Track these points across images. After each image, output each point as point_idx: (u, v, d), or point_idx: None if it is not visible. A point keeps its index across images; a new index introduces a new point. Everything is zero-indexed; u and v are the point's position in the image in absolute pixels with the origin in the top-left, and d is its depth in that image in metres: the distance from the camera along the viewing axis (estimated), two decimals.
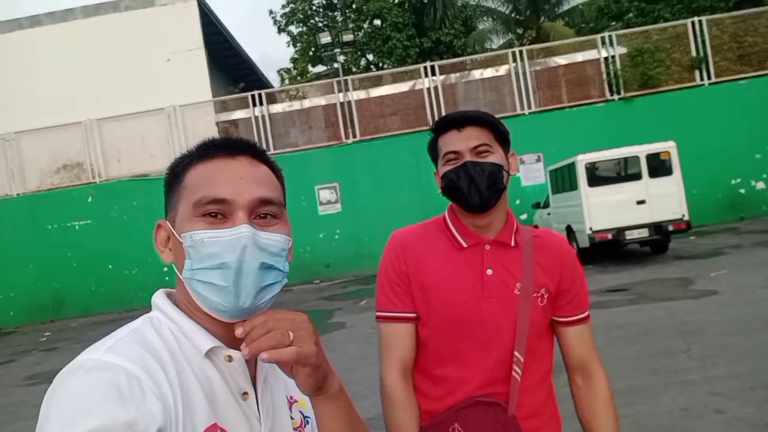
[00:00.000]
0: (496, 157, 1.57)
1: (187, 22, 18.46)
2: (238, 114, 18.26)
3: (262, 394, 0.99)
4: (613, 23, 22.11)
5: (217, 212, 0.92)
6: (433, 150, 1.65)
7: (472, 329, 1.57)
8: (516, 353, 1.56)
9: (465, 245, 1.61)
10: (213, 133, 17.85)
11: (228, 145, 0.98)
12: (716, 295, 8.18)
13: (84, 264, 16.79)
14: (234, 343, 0.92)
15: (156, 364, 0.86)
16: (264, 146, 17.16)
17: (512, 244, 1.62)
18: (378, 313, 1.65)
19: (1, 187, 17.56)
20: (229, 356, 0.95)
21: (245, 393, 0.96)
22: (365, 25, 25.38)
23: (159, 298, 1.00)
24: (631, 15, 21.60)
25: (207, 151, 0.97)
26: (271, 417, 0.99)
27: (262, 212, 0.96)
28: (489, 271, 1.58)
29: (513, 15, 25.78)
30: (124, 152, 17.41)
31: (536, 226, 1.74)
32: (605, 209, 11.79)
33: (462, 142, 1.56)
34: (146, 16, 18.48)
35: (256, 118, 17.67)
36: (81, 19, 18.67)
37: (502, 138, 1.62)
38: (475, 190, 1.54)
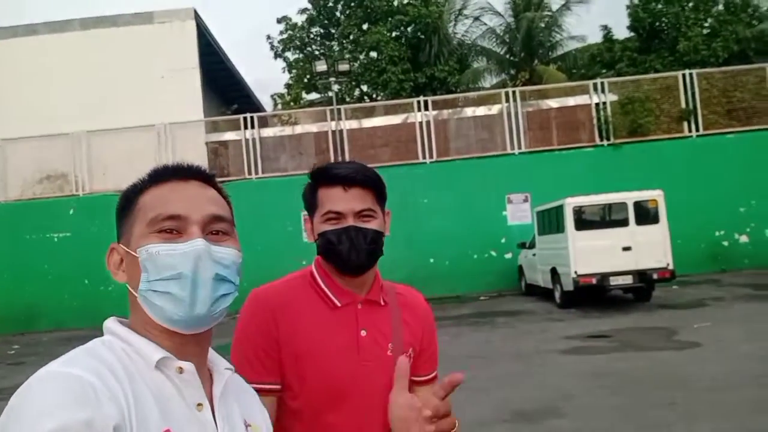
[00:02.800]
0: (377, 222, 1.53)
1: (184, 41, 18.48)
2: (229, 135, 18.18)
3: (219, 407, 1.02)
4: (605, 71, 22.48)
5: (172, 228, 0.98)
6: (312, 198, 1.55)
7: (346, 398, 1.46)
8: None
9: (339, 304, 1.52)
10: (203, 153, 17.77)
11: (180, 170, 1.05)
12: (699, 347, 8.13)
13: (60, 277, 16.45)
14: (186, 356, 0.98)
15: (109, 372, 0.90)
16: (253, 169, 17.20)
17: (382, 302, 1.56)
18: None
19: None
20: (180, 368, 0.97)
21: (200, 404, 0.98)
22: (361, 57, 25.58)
23: (110, 323, 1.02)
24: (623, 64, 21.97)
25: (160, 176, 1.04)
26: (229, 430, 1.01)
27: (215, 228, 1.02)
28: (363, 333, 1.51)
29: (507, 56, 26.13)
30: (111, 166, 17.20)
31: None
32: (591, 254, 11.78)
33: (347, 203, 1.49)
34: (144, 33, 18.48)
35: (247, 140, 17.60)
36: (79, 30, 18.64)
37: (381, 197, 1.56)
38: (356, 255, 1.47)
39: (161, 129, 17.35)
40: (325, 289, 1.53)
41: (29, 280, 16.58)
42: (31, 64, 18.01)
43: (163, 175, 1.04)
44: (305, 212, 1.61)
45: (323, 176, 1.54)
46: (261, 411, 1.16)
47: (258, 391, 1.38)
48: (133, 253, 0.99)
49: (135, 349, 0.97)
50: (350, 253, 1.48)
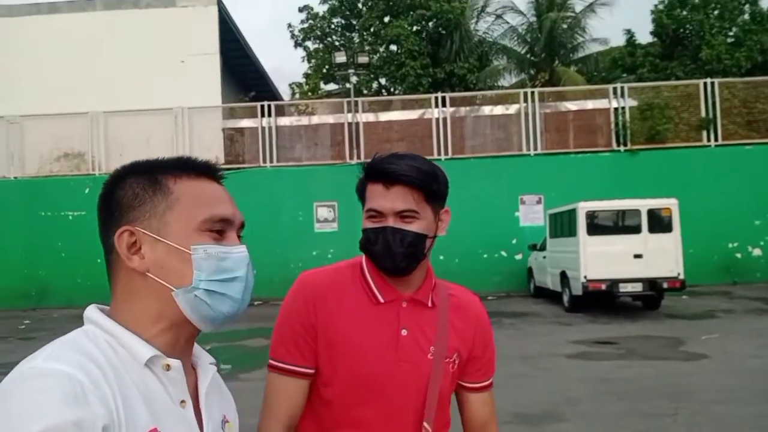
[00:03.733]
0: (420, 224, 1.44)
1: (205, 26, 18.54)
2: (245, 123, 18.23)
3: (205, 404, 1.02)
4: (625, 75, 22.31)
5: (220, 230, 0.99)
6: (362, 192, 1.51)
7: (378, 395, 1.44)
8: (425, 424, 1.46)
9: (382, 300, 1.48)
10: (219, 138, 17.84)
11: (210, 168, 1.05)
12: (706, 359, 8.09)
13: (73, 255, 16.59)
14: (177, 352, 0.98)
15: (95, 368, 0.87)
16: (268, 157, 17.26)
17: (429, 304, 1.51)
18: (271, 362, 1.48)
19: (0, 169, 17.43)
20: (167, 365, 0.96)
21: (183, 401, 0.97)
22: (381, 49, 25.54)
23: (92, 312, 0.98)
24: (644, 69, 21.80)
25: (191, 168, 1.02)
26: (212, 428, 1.02)
27: (239, 233, 1.05)
28: (404, 332, 1.47)
29: (528, 55, 25.99)
30: (127, 148, 17.28)
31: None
32: (601, 259, 11.73)
33: (387, 202, 1.43)
34: (166, 16, 18.56)
35: (263, 128, 17.64)
36: (101, 10, 18.75)
37: (433, 196, 1.47)
38: (391, 258, 1.43)
39: (179, 113, 17.43)
40: (371, 283, 1.50)
41: (42, 257, 16.76)
42: (53, 42, 18.14)
43: (195, 168, 1.02)
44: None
45: (370, 171, 1.49)
46: (234, 409, 1.15)
47: (291, 373, 1.45)
48: (180, 247, 0.96)
49: (121, 343, 0.94)
50: (384, 255, 1.43)
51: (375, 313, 1.47)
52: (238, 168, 17.35)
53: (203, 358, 1.08)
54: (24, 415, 0.78)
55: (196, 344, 1.07)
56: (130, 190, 0.98)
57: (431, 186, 1.45)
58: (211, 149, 17.36)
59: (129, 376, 0.91)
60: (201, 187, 1.01)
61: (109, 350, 0.92)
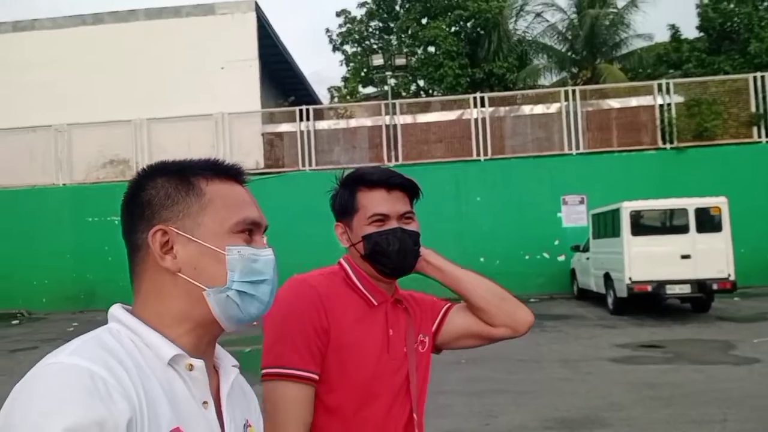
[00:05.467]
0: (416, 225, 1.56)
1: (244, 33, 18.77)
2: (284, 127, 18.38)
3: (227, 406, 1.01)
4: (671, 71, 21.70)
5: (250, 232, 1.01)
6: (350, 203, 1.54)
7: (378, 395, 1.49)
8: (414, 415, 1.53)
9: (375, 303, 1.54)
10: (259, 143, 18.03)
11: (238, 171, 1.06)
12: (758, 363, 7.76)
13: (119, 259, 16.70)
14: (200, 353, 0.98)
15: (119, 366, 0.86)
16: (307, 161, 17.35)
17: (405, 306, 1.61)
18: (277, 370, 1.41)
19: (48, 176, 17.97)
20: (191, 365, 0.95)
21: (205, 402, 0.96)
22: (419, 51, 25.47)
23: (117, 310, 0.99)
24: (690, 65, 21.17)
25: (224, 170, 1.04)
26: (234, 429, 1.01)
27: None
28: (391, 332, 1.54)
29: (569, 54, 25.54)
30: (170, 154, 17.36)
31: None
32: (647, 260, 11.40)
33: (392, 205, 1.51)
34: (206, 24, 18.87)
35: (302, 132, 17.75)
36: (143, 20, 19.17)
37: (414, 200, 1.60)
38: (404, 257, 1.51)
39: (219, 118, 17.68)
40: (362, 288, 1.55)
41: (90, 261, 17.19)
42: (97, 52, 18.61)
43: (224, 171, 1.04)
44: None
45: (362, 180, 1.55)
46: (257, 412, 1.14)
47: (301, 380, 1.41)
48: (215, 248, 0.97)
49: (146, 342, 0.94)
50: (399, 255, 1.50)
51: (370, 315, 1.52)
52: (278, 172, 17.50)
53: (225, 360, 1.07)
54: (46, 412, 0.77)
55: (218, 346, 1.07)
56: (162, 190, 0.99)
57: (417, 190, 1.58)
58: (251, 154, 17.57)
59: (153, 374, 0.91)
60: (231, 189, 1.03)
61: (134, 348, 0.92)
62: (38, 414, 0.77)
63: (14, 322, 15.52)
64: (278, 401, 1.41)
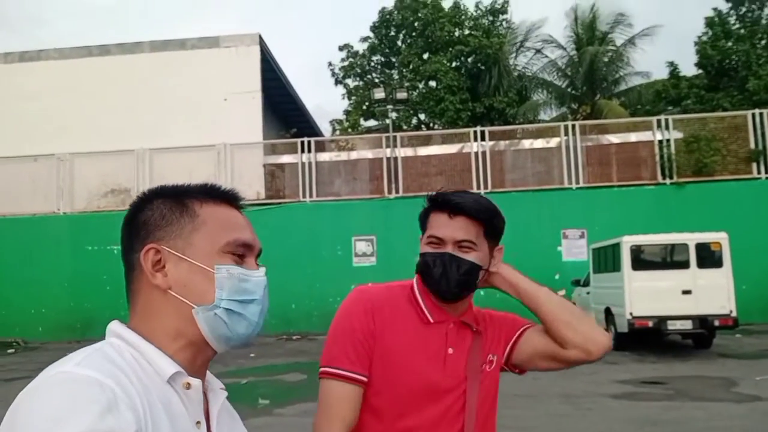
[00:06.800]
0: (477, 255, 1.57)
1: (248, 66, 19.01)
2: (286, 158, 18.48)
3: (217, 426, 1.02)
4: (670, 108, 21.91)
5: (242, 254, 1.02)
6: (424, 220, 1.64)
7: (425, 407, 1.53)
8: None
9: (431, 320, 1.59)
10: (260, 174, 18.11)
11: (235, 197, 1.09)
12: (760, 401, 7.66)
13: (117, 288, 16.71)
14: (194, 372, 0.99)
15: (125, 378, 0.88)
16: (308, 192, 17.41)
17: (474, 329, 1.63)
18: (329, 369, 1.54)
19: (50, 204, 18.00)
20: (188, 383, 0.97)
21: (198, 422, 0.98)
22: (420, 85, 25.75)
23: (116, 326, 1.01)
24: (689, 101, 21.38)
25: (219, 194, 1.07)
26: None
27: (257, 260, 1.07)
28: (450, 350, 1.58)
29: (569, 89, 25.83)
30: (171, 184, 17.70)
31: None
32: (648, 295, 11.34)
33: (449, 231, 1.55)
34: (210, 56, 19.13)
35: (303, 164, 17.84)
36: (148, 53, 19.43)
37: (492, 232, 1.60)
38: (446, 283, 1.54)
39: (221, 149, 17.79)
40: (422, 304, 1.60)
41: (88, 290, 17.10)
42: (103, 82, 18.83)
43: (219, 195, 1.07)
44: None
45: (435, 201, 1.60)
46: (241, 429, 1.14)
47: (349, 379, 1.52)
48: (204, 266, 0.99)
49: (146, 358, 0.95)
50: (441, 279, 1.54)
51: (425, 332, 1.58)
52: (279, 203, 17.54)
53: (213, 383, 1.08)
54: (57, 419, 0.77)
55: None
56: (158, 211, 1.02)
57: (491, 221, 1.59)
58: (252, 184, 17.63)
59: (154, 390, 0.92)
60: (225, 212, 1.05)
61: (134, 363, 0.93)
62: (48, 420, 0.77)
63: (10, 351, 15.38)
64: (325, 397, 1.53)
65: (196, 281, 0.99)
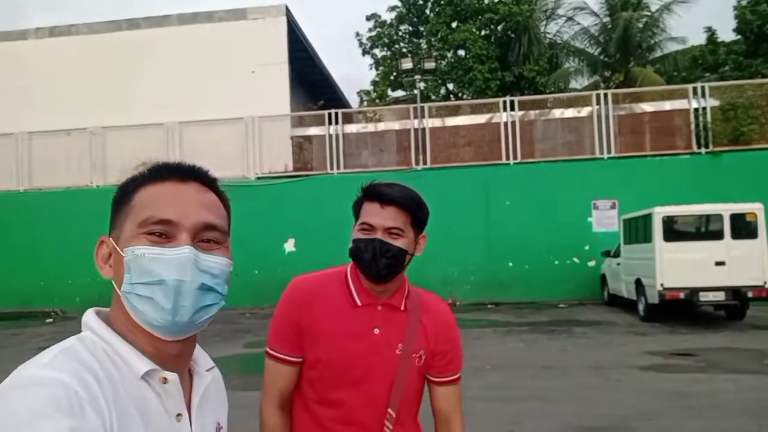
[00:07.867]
0: (404, 241, 1.70)
1: (275, 37, 18.94)
2: (313, 130, 18.48)
3: (197, 417, 1.01)
4: (707, 74, 21.29)
5: (162, 232, 0.96)
6: (357, 209, 1.76)
7: (352, 382, 1.71)
8: (389, 410, 1.72)
9: (359, 303, 1.74)
10: (288, 146, 18.16)
11: (180, 170, 1.02)
12: None
13: None
14: (169, 364, 0.97)
15: (91, 378, 0.86)
16: (335, 164, 17.43)
17: (402, 308, 1.77)
18: (268, 350, 1.79)
19: (83, 177, 18.33)
20: (164, 378, 0.96)
21: (179, 414, 0.98)
22: (449, 55, 25.40)
23: (90, 318, 0.99)
24: (726, 68, 20.76)
25: (159, 174, 1.01)
26: None
27: (206, 237, 0.99)
28: (376, 331, 1.73)
29: (601, 57, 25.23)
30: (201, 156, 17.86)
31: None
32: (680, 266, 11.17)
33: (379, 218, 1.68)
34: (237, 28, 19.10)
35: (330, 136, 17.83)
36: (176, 26, 19.47)
37: (418, 221, 1.73)
38: (375, 266, 1.67)
39: (249, 122, 17.86)
40: (352, 289, 1.76)
41: None
42: (133, 56, 18.97)
43: (162, 173, 1.01)
44: None
45: (368, 192, 1.73)
46: (225, 409, 1.16)
47: (283, 361, 1.76)
48: (120, 252, 0.97)
49: (120, 355, 0.94)
50: (371, 262, 1.68)
51: (353, 314, 1.74)
52: (307, 175, 17.60)
53: (201, 363, 1.08)
54: (17, 425, 0.77)
55: (197, 347, 1.08)
56: (113, 206, 1.03)
57: (418, 212, 1.73)
58: (280, 157, 17.71)
59: (125, 387, 0.91)
60: (158, 190, 0.99)
61: (107, 360, 0.92)
62: (8, 428, 0.77)
63: (48, 320, 15.86)
64: (266, 373, 1.80)
65: (119, 268, 0.97)
